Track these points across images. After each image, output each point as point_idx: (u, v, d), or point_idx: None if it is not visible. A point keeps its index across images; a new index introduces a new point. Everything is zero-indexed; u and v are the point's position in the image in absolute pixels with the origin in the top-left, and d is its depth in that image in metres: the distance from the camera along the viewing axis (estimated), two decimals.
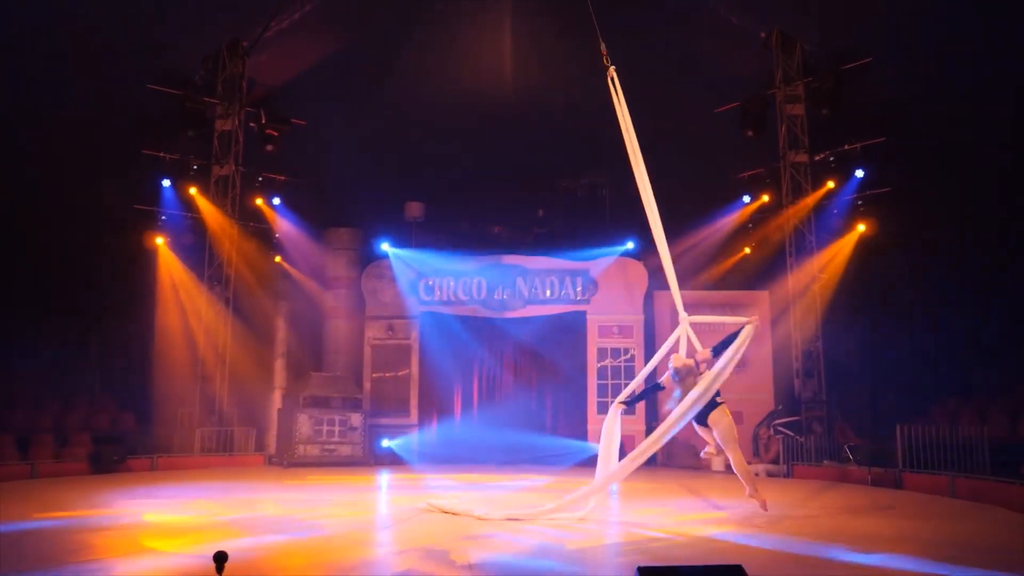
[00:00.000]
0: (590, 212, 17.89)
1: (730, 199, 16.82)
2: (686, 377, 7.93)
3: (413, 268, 17.07)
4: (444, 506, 8.57)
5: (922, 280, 15.06)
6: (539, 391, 16.57)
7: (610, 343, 16.56)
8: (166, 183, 15.54)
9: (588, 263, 16.90)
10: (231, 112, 16.01)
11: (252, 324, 16.34)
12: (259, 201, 16.58)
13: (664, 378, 8.17)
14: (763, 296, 16.48)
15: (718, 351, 7.92)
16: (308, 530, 7.37)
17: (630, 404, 8.77)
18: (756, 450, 14.50)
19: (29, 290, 14.83)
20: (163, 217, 15.59)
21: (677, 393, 7.94)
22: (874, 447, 12.58)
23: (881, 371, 15.78)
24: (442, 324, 16.85)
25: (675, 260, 8.66)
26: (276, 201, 16.75)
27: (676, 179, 14.63)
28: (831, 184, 15.37)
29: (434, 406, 16.69)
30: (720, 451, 8.10)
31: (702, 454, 8.53)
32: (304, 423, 14.94)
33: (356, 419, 15.41)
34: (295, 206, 16.89)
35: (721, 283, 17.09)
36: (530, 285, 16.95)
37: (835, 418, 14.77)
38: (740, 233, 17.03)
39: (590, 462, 15.37)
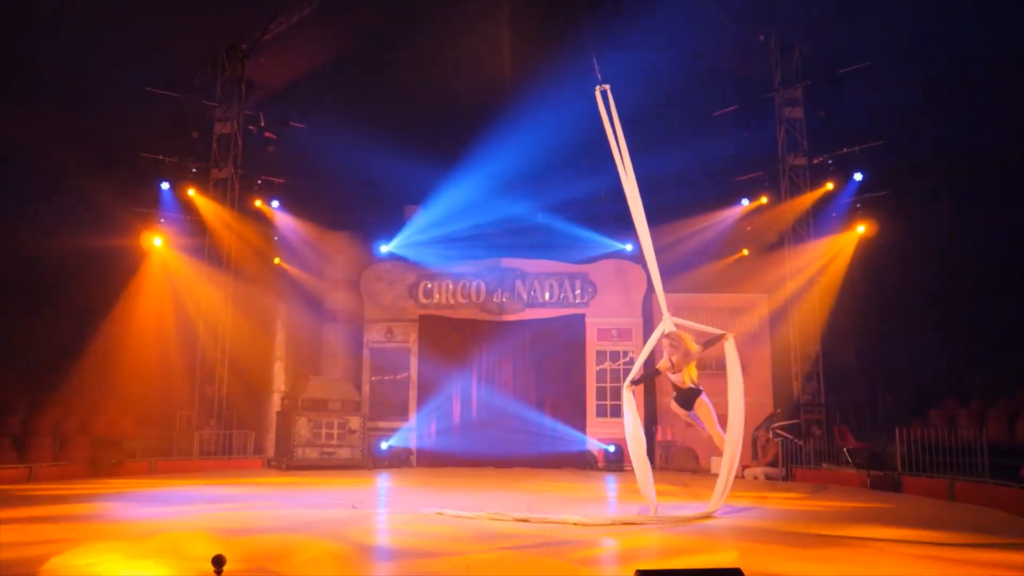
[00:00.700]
0: (589, 214, 17.87)
1: (728, 202, 16.86)
2: (678, 356, 8.17)
3: (412, 271, 17.10)
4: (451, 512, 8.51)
5: (921, 283, 15.08)
6: (538, 394, 16.55)
7: (609, 346, 16.57)
8: (165, 186, 15.57)
9: (587, 266, 16.95)
10: (230, 115, 16.02)
11: (251, 327, 16.33)
12: (258, 203, 16.61)
13: (661, 363, 8.39)
14: (762, 299, 16.49)
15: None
16: (308, 530, 7.35)
17: (636, 384, 9.08)
18: (755, 453, 14.49)
19: (28, 291, 14.81)
20: (162, 219, 15.63)
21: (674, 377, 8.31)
22: (873, 450, 12.60)
23: (880, 374, 15.80)
24: (441, 327, 16.86)
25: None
26: (275, 204, 16.78)
27: (675, 180, 14.68)
28: (830, 186, 15.40)
29: (433, 409, 16.66)
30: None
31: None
32: (303, 426, 14.93)
33: (355, 422, 15.38)
34: (294, 209, 16.91)
35: (719, 286, 17.09)
36: (529, 288, 16.99)
37: (834, 421, 14.79)
38: (738, 236, 17.05)
39: (587, 464, 15.61)
